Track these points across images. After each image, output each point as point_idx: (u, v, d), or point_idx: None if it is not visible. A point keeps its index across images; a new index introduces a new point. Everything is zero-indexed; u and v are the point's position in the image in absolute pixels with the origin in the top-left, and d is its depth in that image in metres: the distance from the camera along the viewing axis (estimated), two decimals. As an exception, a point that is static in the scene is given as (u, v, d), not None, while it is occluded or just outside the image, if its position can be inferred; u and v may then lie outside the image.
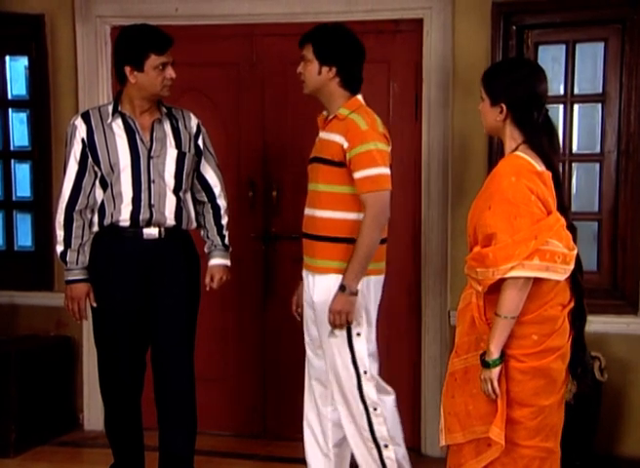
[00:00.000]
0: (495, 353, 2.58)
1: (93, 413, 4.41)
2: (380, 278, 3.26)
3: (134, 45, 3.21)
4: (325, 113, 3.25)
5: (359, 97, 3.21)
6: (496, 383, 2.58)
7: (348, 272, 3.05)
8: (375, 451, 3.18)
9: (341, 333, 3.12)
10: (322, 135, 3.21)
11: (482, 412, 2.66)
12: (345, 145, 3.07)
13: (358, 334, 3.14)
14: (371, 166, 3.05)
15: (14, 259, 4.64)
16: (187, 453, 3.49)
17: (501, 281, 2.55)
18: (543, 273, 2.56)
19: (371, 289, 3.18)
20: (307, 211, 3.24)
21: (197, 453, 3.55)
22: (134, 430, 3.50)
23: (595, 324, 3.80)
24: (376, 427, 3.16)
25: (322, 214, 3.16)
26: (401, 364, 4.20)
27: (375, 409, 3.15)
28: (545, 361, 2.62)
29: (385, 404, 3.22)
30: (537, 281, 2.57)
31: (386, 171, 3.10)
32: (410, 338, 4.19)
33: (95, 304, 3.34)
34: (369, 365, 3.16)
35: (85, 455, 4.22)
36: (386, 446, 3.17)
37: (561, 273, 2.59)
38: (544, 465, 2.68)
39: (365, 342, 3.16)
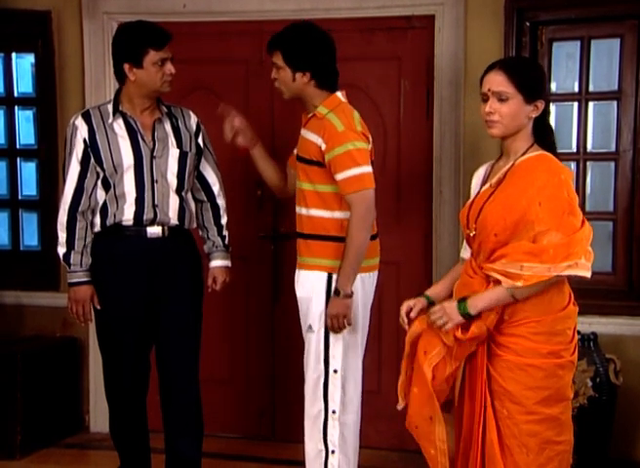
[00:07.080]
0: (478, 310, 2.54)
1: (99, 415, 4.37)
2: (370, 275, 3.21)
3: (132, 42, 3.18)
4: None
5: (338, 93, 3.16)
6: (452, 326, 2.57)
7: (341, 275, 3.04)
8: (323, 454, 3.16)
9: (319, 330, 3.10)
10: (302, 132, 3.19)
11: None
12: (323, 147, 3.05)
13: (336, 332, 3.10)
14: (352, 166, 3.01)
15: (19, 259, 4.61)
16: (194, 456, 3.46)
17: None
18: (587, 272, 2.55)
19: (358, 287, 3.13)
20: (296, 209, 3.24)
21: (204, 456, 3.53)
22: (139, 432, 3.48)
23: (610, 326, 3.82)
24: (329, 430, 3.14)
25: (307, 212, 3.16)
26: (412, 366, 4.15)
27: (333, 413, 3.14)
28: (575, 355, 2.65)
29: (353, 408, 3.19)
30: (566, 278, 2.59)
31: (368, 169, 3.06)
32: (421, 340, 4.13)
33: (99, 306, 3.31)
34: (343, 364, 3.13)
35: (91, 458, 4.21)
36: (333, 452, 3.15)
37: (590, 272, 2.60)
38: (570, 457, 2.71)
39: (342, 341, 3.12)
